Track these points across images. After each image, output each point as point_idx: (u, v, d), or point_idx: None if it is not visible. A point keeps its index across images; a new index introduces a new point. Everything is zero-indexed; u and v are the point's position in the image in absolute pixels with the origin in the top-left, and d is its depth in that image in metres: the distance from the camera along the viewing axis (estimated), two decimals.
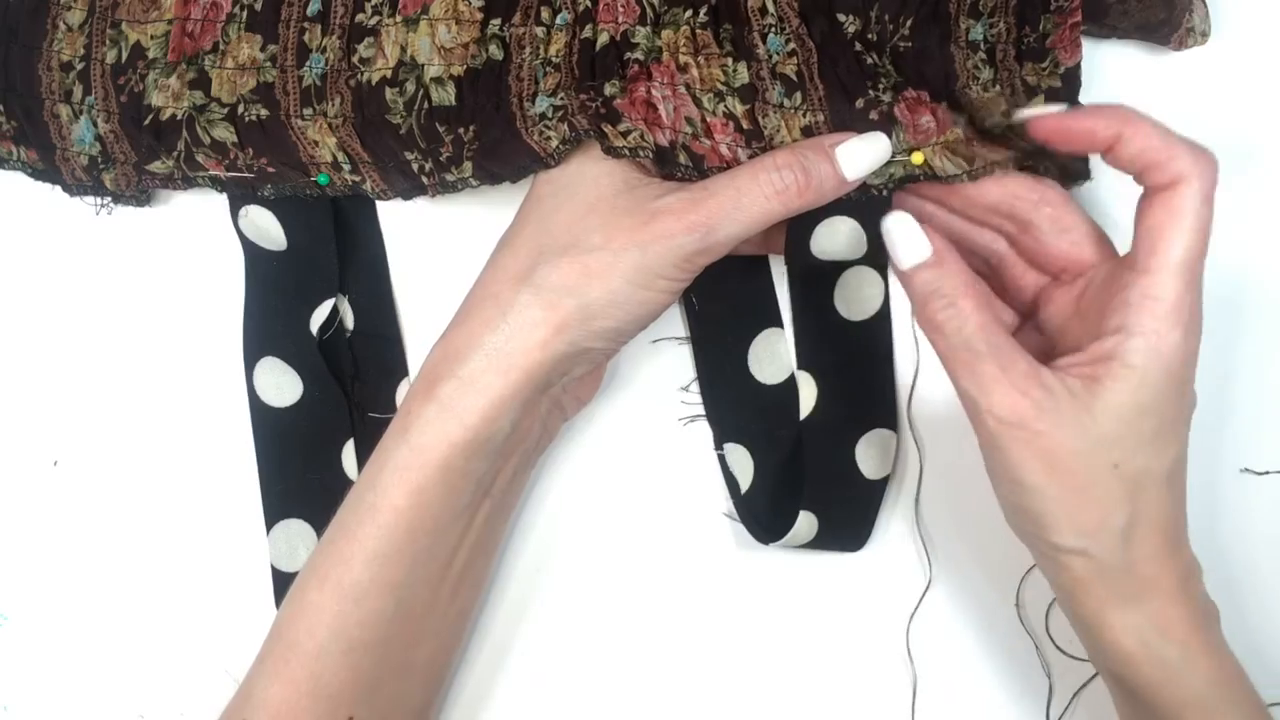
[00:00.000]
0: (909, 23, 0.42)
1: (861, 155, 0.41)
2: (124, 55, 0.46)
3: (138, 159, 0.47)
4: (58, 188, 0.49)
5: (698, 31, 0.42)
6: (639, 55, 0.42)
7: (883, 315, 0.47)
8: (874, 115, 0.41)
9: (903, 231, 0.40)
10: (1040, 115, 0.39)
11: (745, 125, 0.42)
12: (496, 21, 0.43)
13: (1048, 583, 0.41)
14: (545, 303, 0.40)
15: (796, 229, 0.43)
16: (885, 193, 0.42)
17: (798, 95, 0.42)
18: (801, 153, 0.41)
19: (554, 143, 0.42)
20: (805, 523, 0.46)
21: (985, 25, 0.42)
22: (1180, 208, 0.36)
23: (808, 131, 0.42)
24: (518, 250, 0.42)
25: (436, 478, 0.41)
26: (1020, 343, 0.39)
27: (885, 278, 0.47)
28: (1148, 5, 0.43)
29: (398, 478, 0.41)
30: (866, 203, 0.43)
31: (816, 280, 0.47)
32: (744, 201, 0.40)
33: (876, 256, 0.44)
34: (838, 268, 0.46)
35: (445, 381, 0.41)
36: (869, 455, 0.47)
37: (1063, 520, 0.38)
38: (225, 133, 0.45)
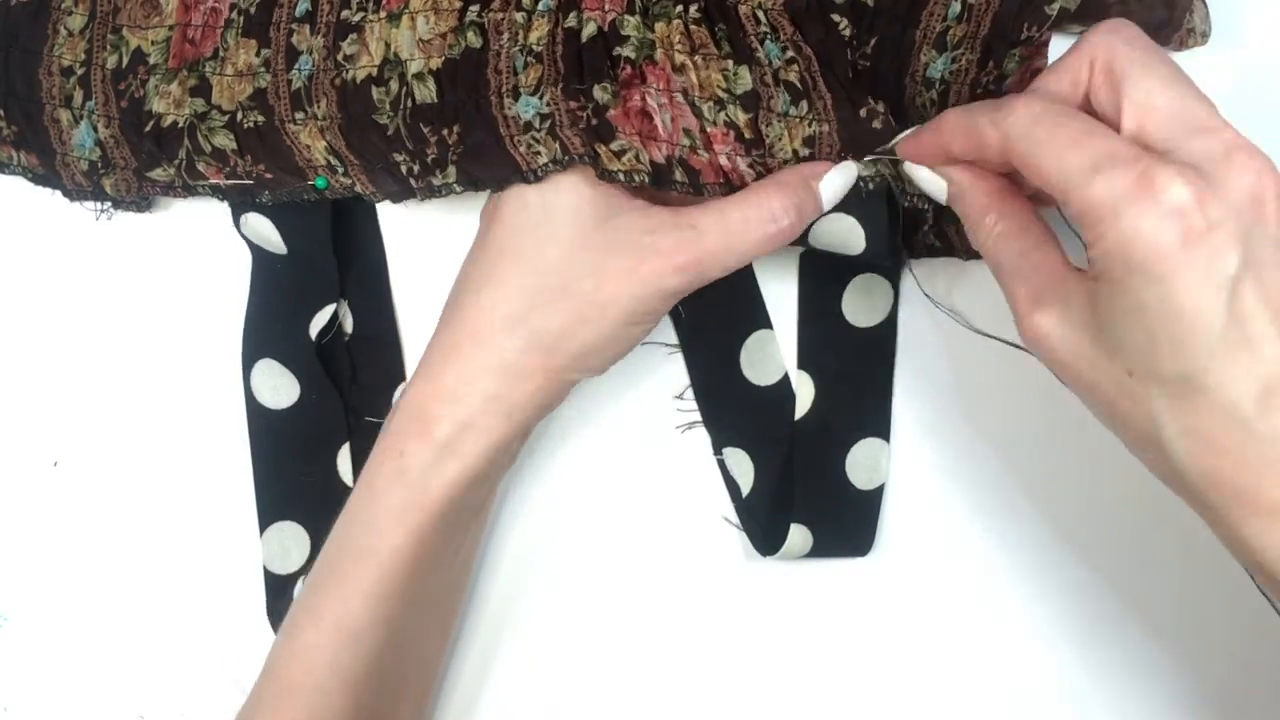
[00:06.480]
0: (872, 43, 0.41)
1: (837, 186, 0.41)
2: (125, 60, 0.46)
3: (138, 165, 0.47)
4: (58, 193, 0.49)
5: (692, 27, 0.40)
6: (629, 52, 0.40)
7: (889, 322, 0.46)
8: (877, 124, 0.40)
9: (921, 178, 0.39)
10: (903, 138, 0.40)
11: (747, 135, 0.40)
12: (475, 8, 0.42)
13: None
14: (543, 349, 0.41)
15: None
16: (873, 185, 0.41)
17: (804, 104, 0.40)
18: (794, 191, 0.40)
19: (542, 159, 0.41)
20: (799, 536, 0.45)
21: (947, 60, 0.41)
22: (1023, 158, 0.35)
23: (810, 141, 0.41)
24: (505, 289, 0.41)
25: (437, 518, 0.41)
26: None
27: (896, 287, 0.46)
28: (1148, 5, 0.43)
29: (397, 519, 0.41)
30: (864, 199, 0.41)
31: (826, 284, 0.46)
32: (734, 244, 0.40)
33: (879, 252, 0.43)
34: (848, 272, 0.46)
35: (442, 423, 0.41)
36: (859, 465, 0.46)
37: (1117, 430, 0.36)
38: (225, 140, 0.45)
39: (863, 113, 0.40)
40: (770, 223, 0.40)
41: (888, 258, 0.43)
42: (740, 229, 0.40)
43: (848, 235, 0.42)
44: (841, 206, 0.42)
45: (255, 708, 0.42)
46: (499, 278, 0.41)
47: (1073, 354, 0.35)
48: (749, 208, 0.40)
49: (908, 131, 0.40)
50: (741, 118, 0.40)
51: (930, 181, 0.39)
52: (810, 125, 0.40)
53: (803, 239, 0.42)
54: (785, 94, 0.40)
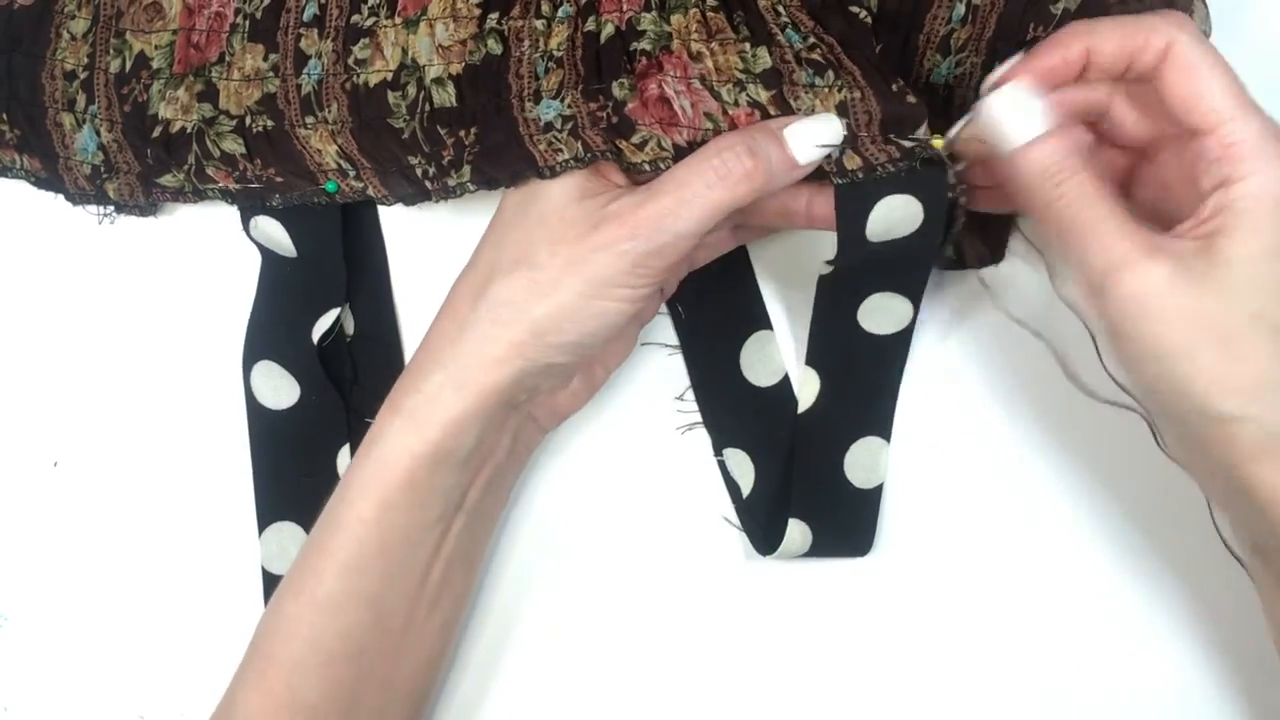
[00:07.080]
0: (876, 50, 0.40)
1: (812, 136, 0.39)
2: (128, 65, 0.46)
3: (141, 169, 0.47)
4: (60, 196, 0.49)
5: (709, 15, 0.40)
6: (646, 45, 0.40)
7: (905, 332, 0.45)
8: (910, 98, 0.38)
9: (1018, 103, 0.37)
10: (1003, 75, 0.38)
11: (773, 111, 0.39)
12: (494, 16, 0.42)
13: (1206, 492, 0.41)
14: (497, 319, 0.40)
15: (848, 215, 0.40)
16: (928, 153, 0.39)
17: (830, 74, 0.39)
18: (749, 134, 0.39)
19: (563, 155, 0.41)
20: (798, 532, 0.45)
21: (951, 64, 0.40)
22: (1188, 60, 0.36)
23: (843, 109, 0.38)
24: (477, 266, 0.42)
25: (402, 490, 0.41)
26: None
27: (916, 306, 0.45)
28: (1148, 5, 0.43)
29: (364, 490, 0.41)
30: (922, 179, 0.39)
31: (843, 297, 0.45)
32: (686, 195, 0.38)
33: (934, 230, 0.40)
34: (868, 287, 0.44)
35: (409, 396, 0.41)
36: (858, 464, 0.46)
37: (1216, 385, 0.35)
38: (234, 145, 0.45)
39: (894, 87, 0.39)
40: (715, 160, 0.38)
41: (942, 239, 0.41)
42: (690, 176, 0.39)
43: (904, 210, 0.40)
44: (900, 186, 0.39)
45: (238, 680, 0.42)
46: (475, 257, 0.42)
47: (1183, 304, 0.35)
48: (694, 157, 0.39)
49: (1018, 56, 0.38)
50: (764, 95, 0.39)
51: (1030, 112, 0.37)
52: (841, 91, 0.38)
53: (860, 239, 0.40)
54: (808, 68, 0.39)
